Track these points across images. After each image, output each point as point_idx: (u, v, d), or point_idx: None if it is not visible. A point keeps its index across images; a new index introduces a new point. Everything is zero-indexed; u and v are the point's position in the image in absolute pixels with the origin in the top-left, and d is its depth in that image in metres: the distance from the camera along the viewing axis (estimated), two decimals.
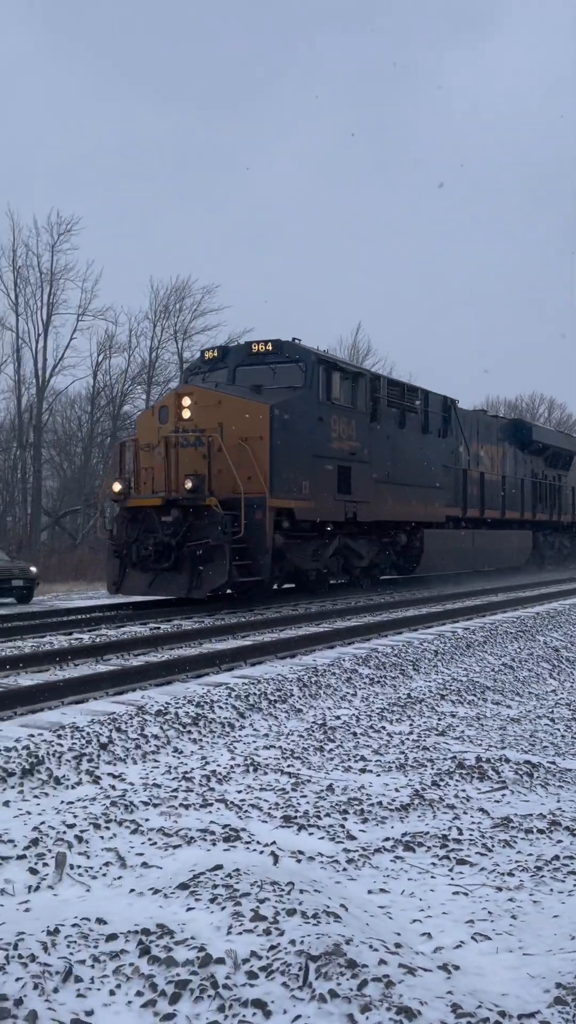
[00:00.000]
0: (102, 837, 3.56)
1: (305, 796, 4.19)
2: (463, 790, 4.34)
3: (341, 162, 68.17)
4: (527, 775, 4.63)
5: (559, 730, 5.95)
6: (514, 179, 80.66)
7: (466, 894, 3.08)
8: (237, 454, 12.44)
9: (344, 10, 70.19)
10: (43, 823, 3.66)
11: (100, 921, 2.68)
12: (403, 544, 17.08)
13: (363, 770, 4.71)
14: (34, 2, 53.22)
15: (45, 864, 3.26)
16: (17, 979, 2.28)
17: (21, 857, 3.29)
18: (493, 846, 3.55)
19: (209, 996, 2.27)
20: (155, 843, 3.52)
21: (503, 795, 4.26)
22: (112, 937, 2.58)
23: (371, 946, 2.50)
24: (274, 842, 3.51)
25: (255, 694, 6.42)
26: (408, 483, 16.59)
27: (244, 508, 11.98)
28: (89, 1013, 2.20)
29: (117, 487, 12.78)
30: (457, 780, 4.51)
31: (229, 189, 60.71)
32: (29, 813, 3.82)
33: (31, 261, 34.24)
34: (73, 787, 4.26)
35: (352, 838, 3.64)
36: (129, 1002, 2.27)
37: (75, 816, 3.76)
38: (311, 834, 3.68)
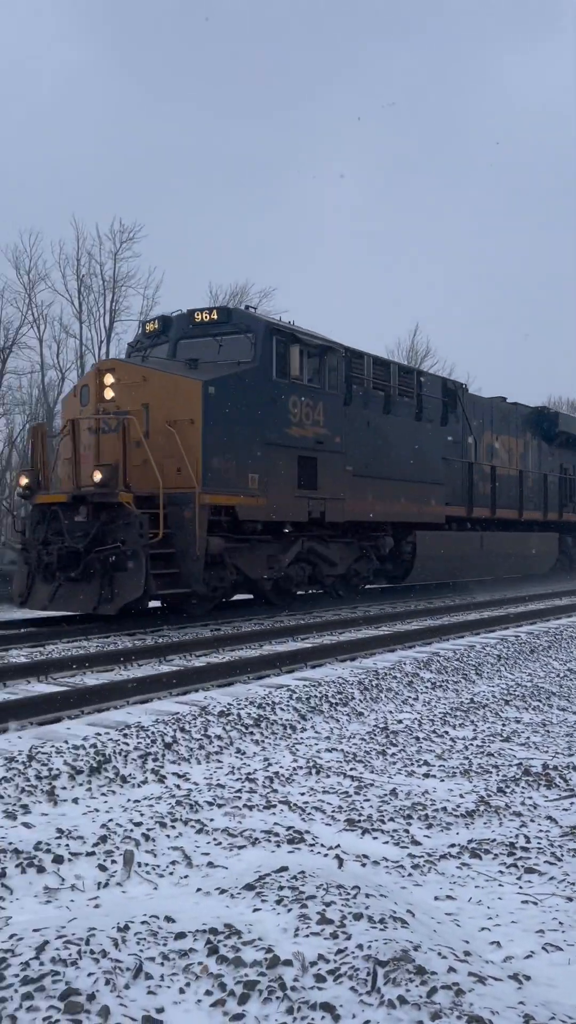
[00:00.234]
0: (168, 836, 3.60)
1: (368, 800, 4.18)
2: (530, 797, 4.27)
3: (396, 166, 67.81)
4: None
5: None
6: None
7: (535, 903, 3.02)
8: (164, 441, 10.55)
9: (397, 12, 69.85)
10: (111, 820, 3.72)
11: (168, 919, 2.71)
12: (390, 548, 14.69)
13: (426, 775, 4.67)
14: (93, 14, 54.19)
15: (113, 861, 3.31)
16: (89, 974, 2.31)
17: (90, 854, 3.35)
18: (563, 855, 3.48)
19: (277, 998, 2.28)
20: (220, 843, 3.55)
21: (572, 803, 4.17)
22: (180, 935, 2.60)
23: (440, 953, 2.47)
24: (338, 845, 3.51)
25: (316, 696, 6.41)
26: (395, 478, 14.32)
27: (164, 505, 10.17)
28: (160, 1011, 2.23)
29: (24, 480, 11.09)
30: (523, 787, 4.44)
31: (285, 192, 60.94)
32: (97, 811, 3.89)
33: (94, 269, 34.80)
34: (139, 786, 4.31)
35: (417, 843, 3.61)
36: (199, 1001, 2.29)
37: (142, 814, 3.81)
38: (375, 838, 3.66)
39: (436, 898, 3.06)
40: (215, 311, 12.16)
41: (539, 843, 3.62)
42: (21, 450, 32.85)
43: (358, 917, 2.71)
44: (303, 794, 4.25)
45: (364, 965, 2.41)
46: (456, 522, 16.54)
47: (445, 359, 43.99)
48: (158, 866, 3.31)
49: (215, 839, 3.59)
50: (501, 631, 11.03)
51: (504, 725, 5.97)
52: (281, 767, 4.72)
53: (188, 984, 2.36)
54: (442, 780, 4.57)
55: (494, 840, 3.64)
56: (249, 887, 3.00)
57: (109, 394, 10.86)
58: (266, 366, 11.67)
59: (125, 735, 5.03)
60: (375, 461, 13.91)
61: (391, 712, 6.30)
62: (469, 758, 5.02)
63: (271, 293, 37.98)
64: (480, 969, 2.43)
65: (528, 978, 2.44)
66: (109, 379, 10.92)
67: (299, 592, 13.51)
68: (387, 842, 3.61)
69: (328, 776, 4.57)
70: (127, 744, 4.85)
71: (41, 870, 3.18)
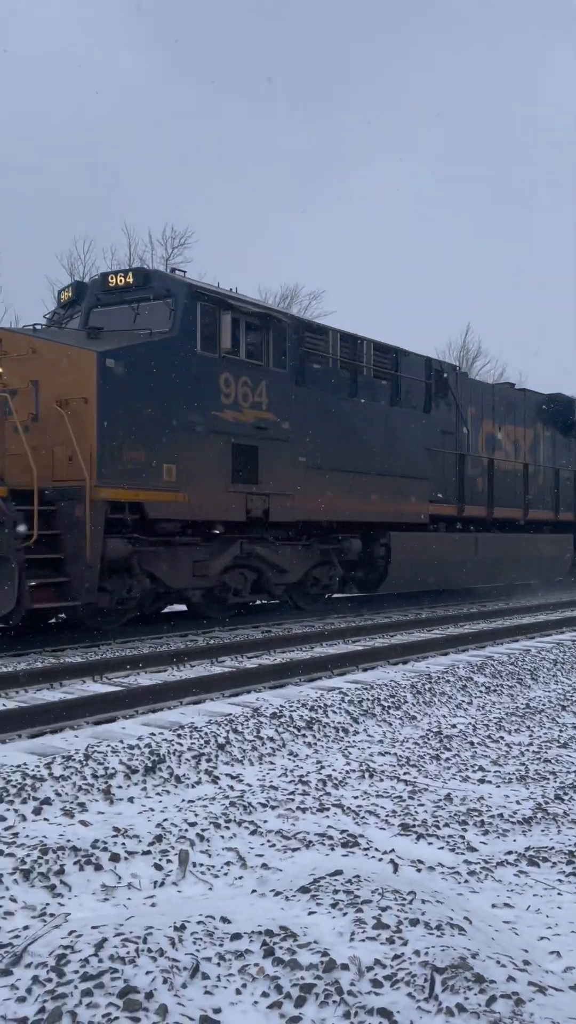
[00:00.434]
0: (222, 837, 3.62)
1: (423, 805, 4.14)
2: None
3: (446, 164, 67.27)
4: None
5: None
6: None
7: None
8: (55, 424, 9.00)
9: (446, 12, 69.32)
10: (166, 820, 3.75)
11: (224, 920, 2.72)
12: (357, 552, 12.87)
13: (482, 780, 4.61)
14: (143, 17, 54.94)
15: (168, 861, 3.33)
16: (147, 972, 2.33)
17: (146, 853, 3.38)
18: None
19: (334, 1002, 2.27)
20: (274, 845, 3.55)
21: None
22: (236, 936, 2.61)
23: (498, 962, 2.44)
24: (393, 850, 3.48)
25: (368, 699, 6.39)
26: (364, 471, 12.57)
27: (49, 501, 8.82)
28: (217, 1011, 2.24)
29: None
30: None
31: (335, 194, 60.89)
32: (152, 810, 3.92)
33: None
34: (193, 786, 4.34)
35: (473, 850, 3.56)
36: (255, 1002, 2.29)
37: (196, 815, 3.83)
38: (430, 844, 3.62)
39: (493, 905, 3.02)
40: (131, 273, 10.44)
41: None
42: None
43: (414, 923, 2.69)
44: (356, 798, 4.23)
45: (421, 971, 2.38)
46: (446, 522, 14.81)
47: (497, 358, 43.51)
48: (213, 866, 3.33)
49: (269, 841, 3.59)
50: (557, 635, 10.86)
51: (561, 731, 5.87)
52: (334, 770, 4.71)
53: (244, 985, 2.36)
54: (498, 786, 4.50)
55: (552, 848, 3.58)
56: (304, 890, 3.00)
57: None
58: (188, 336, 9.92)
59: (179, 735, 5.07)
60: (337, 451, 12.16)
61: (444, 716, 6.24)
62: (525, 764, 4.94)
63: (320, 295, 38.05)
64: (540, 979, 2.39)
65: None
66: None
67: (239, 602, 11.59)
68: (442, 848, 3.57)
69: (381, 780, 4.55)
70: (181, 744, 4.89)
71: (98, 868, 3.22)
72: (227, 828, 3.71)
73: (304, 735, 5.41)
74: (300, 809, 4.00)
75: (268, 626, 11.67)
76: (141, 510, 9.51)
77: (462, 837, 3.70)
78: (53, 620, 10.49)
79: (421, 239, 61.82)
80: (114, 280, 10.43)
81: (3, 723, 5.42)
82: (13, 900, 2.93)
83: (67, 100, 47.43)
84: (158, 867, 3.28)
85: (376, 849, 3.49)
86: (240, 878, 3.24)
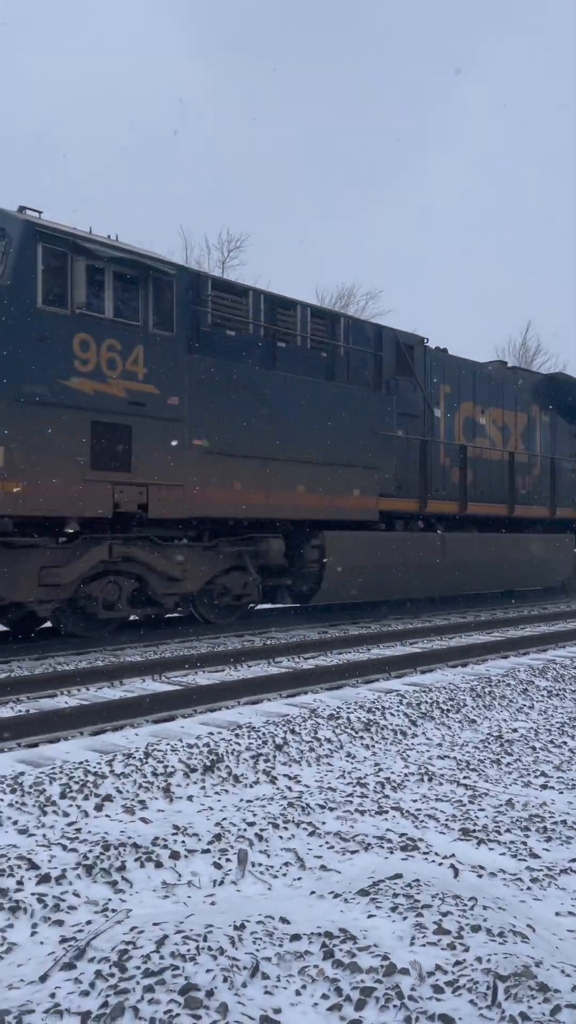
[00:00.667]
0: (281, 837, 3.62)
1: (483, 810, 4.08)
2: None
3: (504, 160, 66.30)
4: None
5: None
6: None
7: None
8: None
9: (503, 11, 68.29)
10: (224, 819, 3.77)
11: (283, 920, 2.72)
12: (279, 555, 10.68)
13: (544, 786, 4.52)
14: (196, 20, 55.44)
15: (228, 860, 3.35)
16: (207, 971, 2.35)
17: (205, 851, 3.40)
18: None
19: (395, 1006, 2.25)
20: (332, 847, 3.54)
21: None
22: (296, 937, 2.61)
23: (563, 971, 2.39)
24: (453, 855, 3.44)
25: (427, 702, 6.33)
26: (286, 458, 10.46)
27: None
28: (277, 1011, 2.24)
29: None
30: None
31: (390, 194, 60.53)
32: (211, 809, 3.95)
33: None
34: (251, 786, 4.36)
35: (535, 856, 3.50)
36: (315, 1004, 2.28)
37: (254, 815, 3.84)
38: (491, 849, 3.57)
39: (557, 913, 2.95)
40: None
41: None
42: None
43: (476, 929, 2.65)
44: (415, 801, 4.19)
45: (483, 979, 2.35)
46: (405, 520, 12.75)
47: (557, 355, 42.71)
48: (271, 867, 3.34)
49: (327, 842, 3.58)
50: None
51: None
52: (392, 772, 4.68)
53: (304, 986, 2.36)
54: (561, 792, 4.41)
55: None
56: (363, 892, 2.98)
57: None
58: (25, 287, 8.04)
59: (237, 735, 5.09)
60: (250, 434, 10.05)
61: (505, 720, 6.14)
62: None
63: (378, 295, 37.89)
64: None
65: None
66: None
67: (114, 617, 9.51)
68: (504, 853, 3.52)
69: (441, 784, 4.50)
70: (239, 744, 4.91)
71: (159, 865, 3.25)
72: (285, 829, 3.71)
73: (362, 737, 5.38)
74: (358, 811, 3.98)
75: (325, 627, 11.67)
76: None
77: (524, 843, 3.63)
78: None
79: (481, 237, 61.08)
80: None
81: (66, 721, 5.52)
82: (76, 895, 2.98)
83: (128, 105, 48.16)
84: (217, 866, 3.30)
85: (436, 853, 3.45)
86: (299, 879, 3.24)
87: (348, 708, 5.96)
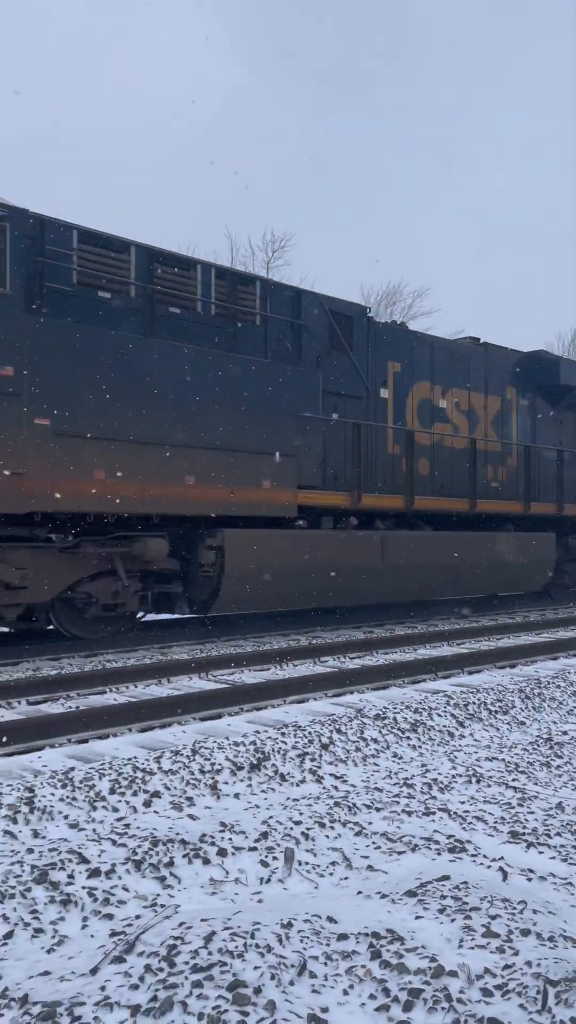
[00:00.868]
0: (327, 836, 3.62)
1: (533, 812, 4.03)
2: None
3: (554, 160, 65.30)
4: None
5: None
6: None
7: None
8: None
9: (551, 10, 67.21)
10: (271, 817, 3.78)
11: (330, 920, 2.72)
12: (162, 557, 9.14)
13: None
14: (239, 23, 55.70)
15: (274, 858, 3.36)
16: (255, 968, 2.36)
17: (252, 849, 3.42)
18: None
19: (443, 1008, 2.23)
20: (379, 847, 3.53)
21: None
22: (343, 937, 2.61)
23: None
24: (502, 857, 3.40)
25: (474, 703, 6.27)
26: (169, 441, 8.88)
27: None
28: (324, 1010, 2.24)
29: None
30: None
31: (438, 192, 60.02)
32: (257, 807, 3.96)
33: None
34: (297, 785, 4.36)
35: None
36: (363, 1004, 2.28)
37: (301, 813, 3.85)
38: (541, 853, 3.52)
39: None
40: None
41: None
42: None
43: (525, 933, 2.62)
44: (463, 803, 4.15)
45: (533, 983, 2.32)
46: (337, 516, 11.08)
47: None
48: (318, 865, 3.34)
49: (374, 843, 3.57)
50: None
51: None
52: (439, 774, 4.65)
53: (352, 986, 2.35)
54: None
55: None
56: (410, 893, 2.97)
57: None
58: None
59: (283, 733, 5.10)
60: (117, 413, 8.49)
61: (555, 723, 6.06)
62: None
63: (425, 292, 37.59)
64: None
65: None
66: None
67: None
68: (554, 857, 3.47)
69: (489, 786, 4.45)
70: (285, 743, 4.92)
71: (206, 862, 3.28)
72: (332, 828, 3.71)
73: (408, 737, 5.36)
74: (405, 812, 3.97)
75: (371, 627, 11.60)
76: None
77: (575, 847, 3.58)
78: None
79: (529, 232, 60.26)
80: None
81: (115, 717, 5.60)
82: (125, 889, 3.02)
83: (171, 108, 48.60)
84: (264, 864, 3.31)
85: (484, 856, 3.42)
86: (345, 878, 3.23)
87: (394, 708, 5.94)
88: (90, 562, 8.82)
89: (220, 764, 4.45)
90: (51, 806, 3.77)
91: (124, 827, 3.58)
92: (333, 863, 3.37)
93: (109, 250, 8.97)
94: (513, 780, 4.57)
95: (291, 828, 3.65)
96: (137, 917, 2.79)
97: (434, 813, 3.96)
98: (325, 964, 2.45)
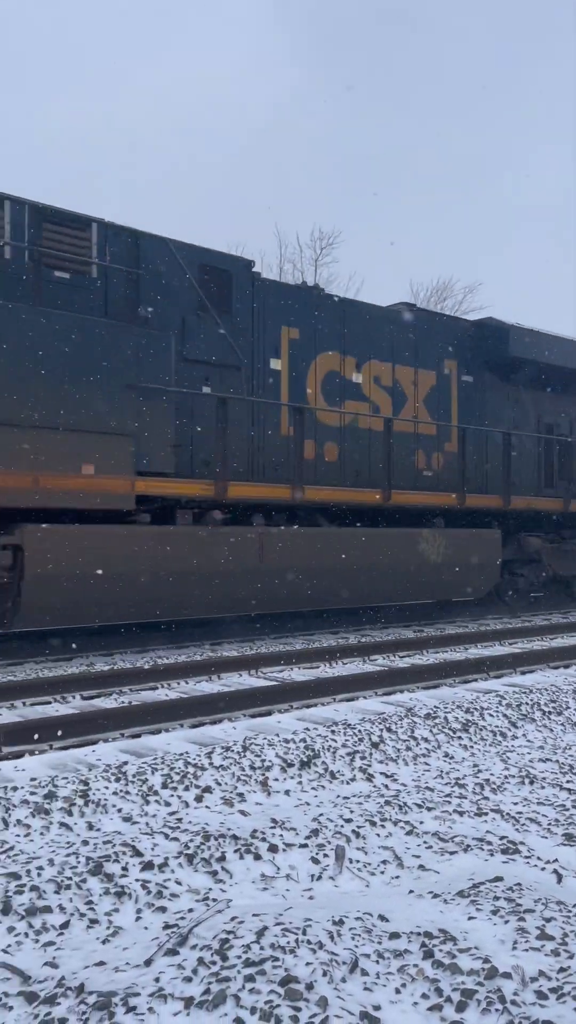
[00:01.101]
0: (378, 835, 3.61)
1: None
2: None
3: None
4: None
5: None
6: None
7: None
8: None
9: None
10: (321, 815, 3.78)
11: (382, 918, 2.72)
12: None
13: None
14: (291, 26, 55.74)
15: (325, 855, 3.36)
16: (307, 964, 2.36)
17: (303, 846, 3.42)
18: None
19: (496, 1010, 2.21)
20: (430, 847, 3.51)
21: None
22: (395, 935, 2.60)
23: None
24: (556, 860, 3.36)
25: (527, 704, 6.19)
26: None
27: None
28: (376, 1008, 2.24)
29: None
30: None
31: (491, 190, 59.27)
32: (308, 804, 3.97)
33: (296, 277, 35.69)
34: (348, 783, 4.36)
35: None
36: (415, 1003, 2.27)
37: (351, 811, 3.85)
38: None
39: None
40: None
41: None
42: None
43: None
44: (516, 804, 4.10)
45: None
46: (201, 508, 9.15)
47: None
48: (369, 864, 3.33)
49: (425, 842, 3.55)
50: None
51: None
52: (492, 774, 4.60)
53: (404, 985, 2.35)
54: None
55: None
56: (462, 894, 2.95)
57: None
58: None
59: (333, 731, 5.10)
60: None
61: None
62: None
63: (476, 288, 37.12)
64: None
65: None
66: None
67: None
68: None
69: (543, 787, 4.39)
70: (335, 741, 4.92)
71: (258, 857, 3.30)
72: (383, 827, 3.69)
73: (460, 737, 5.31)
74: (457, 812, 3.93)
75: (421, 626, 11.53)
76: None
77: None
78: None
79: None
80: None
81: (167, 713, 5.66)
82: (178, 883, 3.05)
83: (217, 113, 48.88)
84: (315, 861, 3.32)
85: (538, 858, 3.37)
86: (397, 877, 3.22)
87: (445, 708, 5.89)
88: None
89: (270, 761, 4.47)
90: (105, 799, 3.83)
91: (176, 821, 3.62)
92: (384, 862, 3.36)
93: None
94: (568, 782, 4.50)
95: (342, 826, 3.65)
96: (190, 910, 2.82)
97: (486, 814, 3.92)
98: (377, 962, 2.45)
